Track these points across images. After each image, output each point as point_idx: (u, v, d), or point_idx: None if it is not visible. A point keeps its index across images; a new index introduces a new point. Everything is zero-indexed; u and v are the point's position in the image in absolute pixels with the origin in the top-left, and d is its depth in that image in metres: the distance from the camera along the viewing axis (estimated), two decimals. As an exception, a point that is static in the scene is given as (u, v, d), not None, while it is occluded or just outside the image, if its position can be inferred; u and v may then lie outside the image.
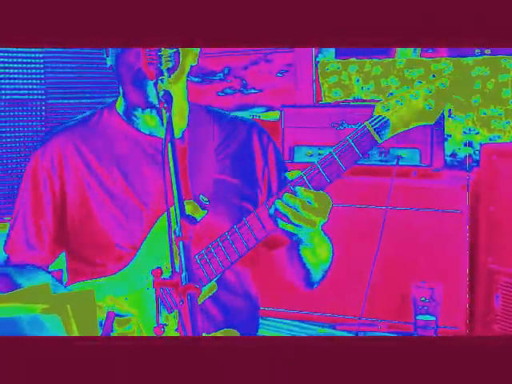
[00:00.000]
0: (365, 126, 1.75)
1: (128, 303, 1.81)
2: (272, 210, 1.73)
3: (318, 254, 1.87)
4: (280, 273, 2.01)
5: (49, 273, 1.95)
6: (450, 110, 3.30)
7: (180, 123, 1.93)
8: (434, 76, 1.78)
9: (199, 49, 1.95)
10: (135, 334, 1.74)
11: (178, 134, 1.92)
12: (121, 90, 1.94)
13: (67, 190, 1.91)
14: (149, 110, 1.88)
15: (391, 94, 1.80)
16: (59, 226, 1.94)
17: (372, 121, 1.76)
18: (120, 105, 1.96)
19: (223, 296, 1.89)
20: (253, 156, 2.00)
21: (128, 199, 1.89)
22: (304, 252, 1.85)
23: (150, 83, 1.79)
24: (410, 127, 1.78)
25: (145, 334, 1.78)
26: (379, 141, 1.76)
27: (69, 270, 2.01)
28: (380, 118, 1.76)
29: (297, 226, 1.72)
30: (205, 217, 1.82)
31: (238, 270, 1.95)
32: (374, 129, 1.75)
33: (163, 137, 1.52)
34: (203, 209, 1.81)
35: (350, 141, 1.75)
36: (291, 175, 1.75)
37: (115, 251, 1.86)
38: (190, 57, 1.89)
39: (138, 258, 1.85)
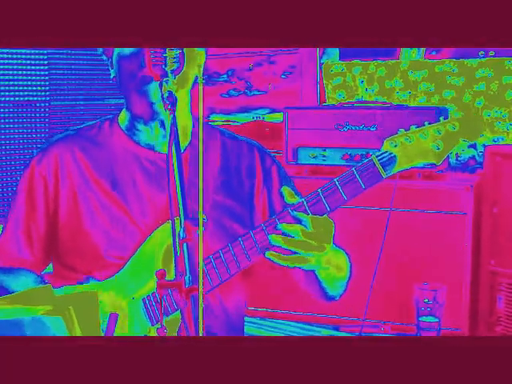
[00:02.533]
0: (371, 160, 1.76)
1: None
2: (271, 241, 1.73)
3: (335, 273, 1.89)
4: (298, 286, 2.00)
5: (38, 276, 1.94)
6: None
7: (183, 139, 1.91)
8: (444, 117, 1.77)
9: (204, 60, 1.94)
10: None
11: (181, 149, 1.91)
12: (124, 103, 1.95)
13: (61, 199, 1.91)
14: (151, 123, 1.88)
15: (400, 131, 1.79)
16: (50, 234, 1.94)
17: (379, 155, 1.76)
18: (123, 118, 1.96)
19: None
20: (252, 178, 1.99)
21: (120, 212, 1.89)
22: (321, 274, 1.86)
23: (154, 88, 1.79)
24: (415, 165, 1.79)
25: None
26: (384, 175, 1.76)
27: (53, 275, 2.01)
28: (387, 153, 1.76)
29: (296, 253, 1.72)
30: None
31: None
32: (381, 163, 1.76)
33: (167, 138, 1.52)
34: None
35: (355, 172, 1.75)
36: (291, 199, 1.74)
37: (103, 261, 1.86)
38: (195, 68, 1.89)
39: (126, 269, 1.85)
